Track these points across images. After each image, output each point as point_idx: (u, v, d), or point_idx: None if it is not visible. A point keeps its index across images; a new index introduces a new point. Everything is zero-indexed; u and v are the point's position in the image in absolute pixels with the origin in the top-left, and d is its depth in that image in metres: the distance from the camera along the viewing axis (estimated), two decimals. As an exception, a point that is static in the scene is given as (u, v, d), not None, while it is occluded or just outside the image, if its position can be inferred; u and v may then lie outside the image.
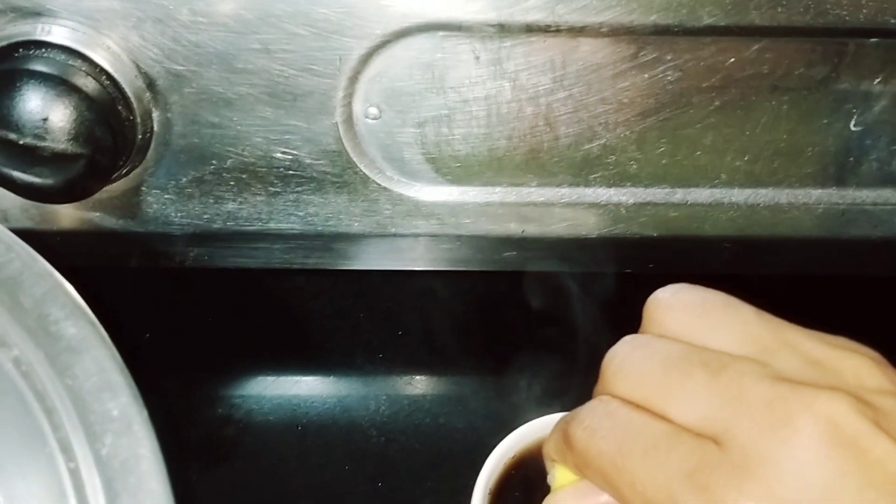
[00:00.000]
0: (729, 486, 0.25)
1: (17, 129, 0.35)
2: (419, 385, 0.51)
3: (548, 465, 0.32)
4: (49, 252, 0.31)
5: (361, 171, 0.41)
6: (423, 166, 0.41)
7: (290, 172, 0.41)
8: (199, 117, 0.39)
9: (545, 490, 0.32)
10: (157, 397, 0.30)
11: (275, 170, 0.41)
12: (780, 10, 0.36)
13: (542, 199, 0.42)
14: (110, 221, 0.42)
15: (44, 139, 0.35)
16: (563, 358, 0.45)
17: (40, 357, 0.29)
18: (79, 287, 0.30)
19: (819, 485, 0.25)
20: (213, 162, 0.40)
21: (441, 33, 0.37)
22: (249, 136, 0.39)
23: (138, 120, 0.38)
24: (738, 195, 0.43)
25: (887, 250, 0.45)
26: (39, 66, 0.35)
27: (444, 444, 0.49)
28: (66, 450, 0.28)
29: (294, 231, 0.43)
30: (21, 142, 0.35)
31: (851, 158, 0.42)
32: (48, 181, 0.36)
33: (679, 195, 0.43)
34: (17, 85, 0.35)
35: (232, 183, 0.41)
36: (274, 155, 0.40)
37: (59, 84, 0.35)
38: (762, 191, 0.43)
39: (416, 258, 0.46)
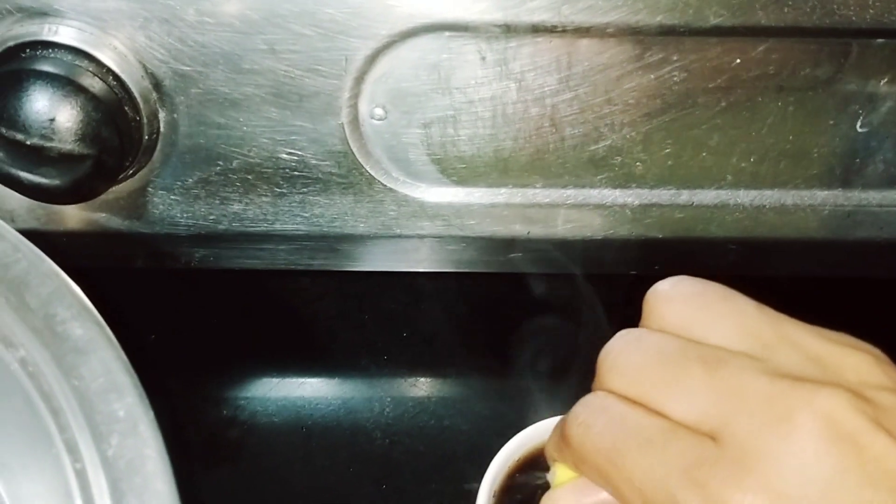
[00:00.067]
0: (728, 482, 0.25)
1: (23, 129, 0.35)
2: (424, 387, 0.51)
3: (550, 464, 0.32)
4: (55, 252, 0.31)
5: (367, 171, 0.41)
6: (429, 167, 0.41)
7: (296, 173, 0.41)
8: (205, 118, 0.39)
9: (551, 492, 0.32)
10: (162, 398, 0.30)
11: (280, 171, 0.41)
12: (786, 10, 0.36)
13: (548, 200, 0.42)
14: (116, 222, 0.42)
15: (50, 140, 0.35)
16: (567, 360, 0.45)
17: (47, 357, 0.29)
18: (85, 288, 0.30)
19: (818, 480, 0.25)
20: (219, 163, 0.40)
21: (447, 34, 0.37)
22: (255, 136, 0.39)
23: (145, 120, 0.38)
24: (744, 196, 0.43)
25: (893, 252, 0.45)
26: (46, 67, 0.35)
27: (449, 446, 0.49)
28: (73, 450, 0.28)
29: (299, 232, 0.43)
30: (28, 142, 0.35)
31: (857, 160, 0.42)
32: (55, 182, 0.36)
33: (685, 196, 0.43)
34: (24, 85, 0.35)
35: (238, 184, 0.41)
36: (280, 156, 0.40)
37: (66, 84, 0.35)
38: (768, 192, 0.43)
39: (421, 259, 0.46)
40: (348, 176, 0.41)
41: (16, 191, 0.37)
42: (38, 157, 0.36)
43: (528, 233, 0.44)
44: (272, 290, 0.53)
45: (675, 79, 0.39)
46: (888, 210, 0.43)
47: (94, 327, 0.29)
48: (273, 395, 0.50)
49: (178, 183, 0.41)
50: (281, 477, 0.47)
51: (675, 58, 0.38)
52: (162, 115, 0.38)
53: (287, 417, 0.49)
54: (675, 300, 0.30)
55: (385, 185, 0.41)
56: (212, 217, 0.42)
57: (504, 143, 0.40)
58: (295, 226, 0.43)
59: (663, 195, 0.43)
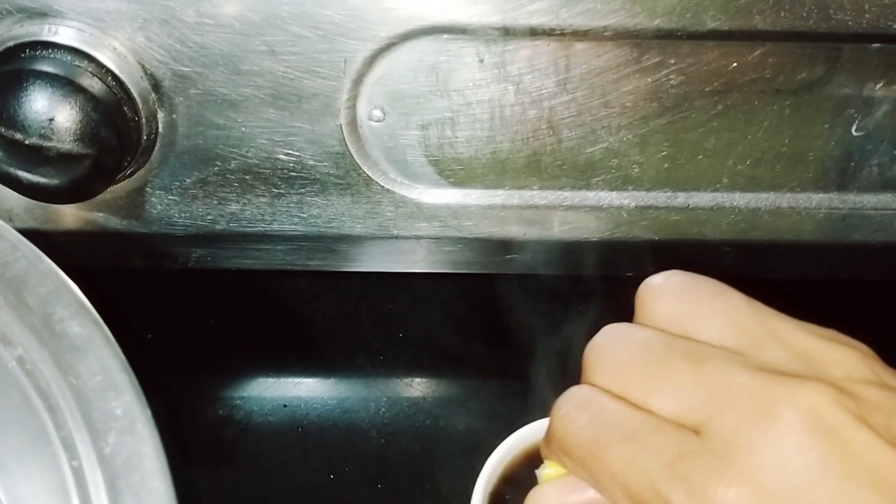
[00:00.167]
0: (711, 475, 0.25)
1: (23, 129, 0.35)
2: (419, 387, 0.51)
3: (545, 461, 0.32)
4: (54, 252, 0.31)
5: (364, 173, 0.41)
6: (426, 169, 0.41)
7: (294, 174, 0.41)
8: (203, 118, 0.39)
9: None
10: (159, 397, 0.30)
11: (278, 171, 0.41)
12: (783, 14, 0.36)
13: (545, 202, 0.43)
14: (114, 222, 0.42)
15: (49, 139, 0.35)
16: (563, 360, 0.45)
17: (44, 356, 0.29)
18: (83, 287, 0.31)
19: (800, 474, 0.25)
20: (218, 163, 0.40)
21: (445, 36, 0.37)
22: (254, 137, 0.39)
23: (143, 121, 0.38)
24: (740, 199, 0.43)
25: (888, 255, 0.45)
26: (46, 67, 0.35)
27: (445, 445, 0.49)
28: (70, 448, 0.28)
29: (297, 232, 0.43)
30: (27, 142, 0.35)
31: (853, 163, 0.42)
32: (53, 181, 0.36)
33: (681, 199, 0.43)
34: (24, 85, 0.35)
35: (236, 184, 0.41)
36: (278, 156, 0.40)
37: (66, 85, 0.35)
38: (763, 195, 0.43)
39: (418, 260, 0.46)
40: (346, 177, 0.41)
41: (14, 190, 0.37)
42: (37, 156, 0.36)
43: (525, 234, 0.44)
44: (269, 290, 0.53)
45: (672, 82, 0.39)
46: (883, 213, 0.43)
47: (92, 326, 0.29)
48: (269, 395, 0.50)
49: (177, 183, 0.41)
50: (277, 476, 0.47)
51: (672, 61, 0.38)
52: (161, 115, 0.39)
53: (283, 417, 0.49)
54: (667, 294, 0.30)
55: (382, 187, 0.42)
56: (209, 217, 0.42)
57: (501, 145, 0.40)
58: (292, 226, 0.43)
59: (659, 197, 0.43)
